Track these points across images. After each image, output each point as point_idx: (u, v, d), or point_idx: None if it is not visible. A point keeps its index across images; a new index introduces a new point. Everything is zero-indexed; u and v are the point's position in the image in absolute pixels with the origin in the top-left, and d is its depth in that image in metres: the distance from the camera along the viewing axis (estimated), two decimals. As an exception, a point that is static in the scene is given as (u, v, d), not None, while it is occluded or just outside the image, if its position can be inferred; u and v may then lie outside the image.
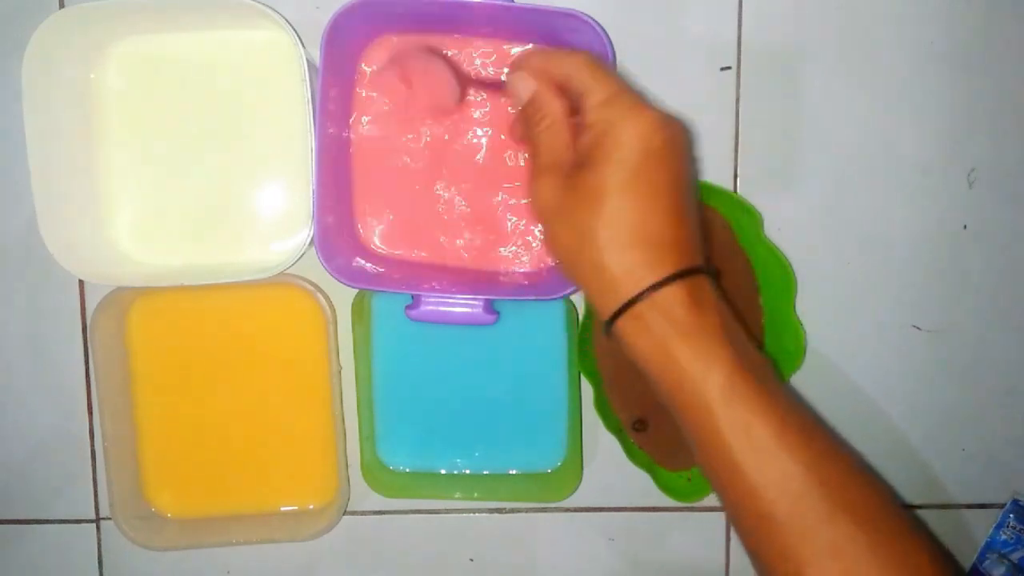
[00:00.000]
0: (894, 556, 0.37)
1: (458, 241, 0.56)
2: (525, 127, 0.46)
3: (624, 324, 0.40)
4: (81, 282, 0.61)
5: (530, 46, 0.54)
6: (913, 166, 0.60)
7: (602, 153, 0.40)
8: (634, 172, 0.39)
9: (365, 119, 0.55)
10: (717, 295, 0.40)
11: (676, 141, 0.41)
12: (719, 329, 0.39)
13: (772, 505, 0.37)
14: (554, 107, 0.43)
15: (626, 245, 0.39)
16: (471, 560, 0.64)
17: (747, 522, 0.39)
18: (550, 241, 0.43)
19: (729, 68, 0.59)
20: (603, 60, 0.46)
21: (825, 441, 0.39)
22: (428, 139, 0.55)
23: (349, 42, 0.53)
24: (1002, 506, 0.62)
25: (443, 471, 0.62)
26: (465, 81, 0.52)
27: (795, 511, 0.37)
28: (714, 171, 0.59)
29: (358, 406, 0.59)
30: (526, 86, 0.44)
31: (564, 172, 0.42)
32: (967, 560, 0.62)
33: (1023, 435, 0.62)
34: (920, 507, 0.63)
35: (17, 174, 0.55)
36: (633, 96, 0.41)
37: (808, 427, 0.39)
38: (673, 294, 0.39)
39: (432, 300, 0.53)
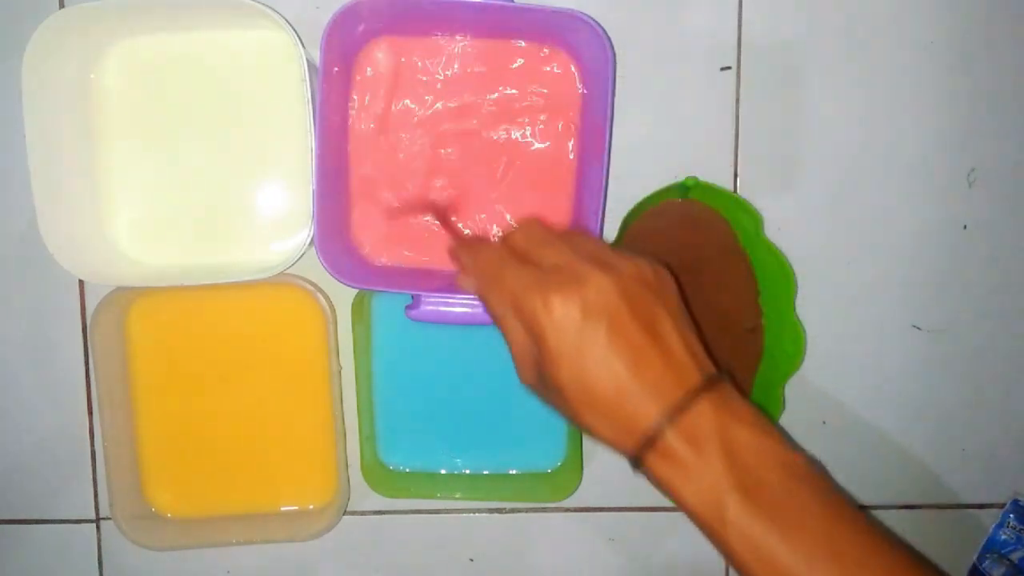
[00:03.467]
0: None
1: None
2: None
3: (645, 473, 0.40)
4: (81, 282, 0.61)
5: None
6: (913, 166, 0.60)
7: (540, 350, 0.40)
8: (571, 360, 0.39)
9: (365, 118, 0.55)
10: (720, 410, 0.39)
11: (598, 303, 0.39)
12: (721, 463, 0.38)
13: None
14: (490, 305, 0.44)
15: (604, 423, 0.40)
16: (471, 560, 0.64)
17: None
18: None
19: (729, 68, 0.59)
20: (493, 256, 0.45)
21: (859, 549, 0.38)
22: (428, 140, 0.55)
23: (349, 42, 0.53)
24: (1002, 506, 0.62)
25: (443, 471, 0.62)
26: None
27: None
28: (714, 171, 0.59)
29: (358, 406, 0.59)
30: (468, 285, 0.46)
31: (533, 359, 0.42)
32: (967, 560, 0.62)
33: (1023, 435, 0.63)
34: (920, 507, 0.63)
35: (17, 174, 0.55)
36: (532, 291, 0.40)
37: (839, 539, 0.38)
38: (667, 442, 0.38)
39: (432, 300, 0.53)
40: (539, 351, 0.40)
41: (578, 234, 0.45)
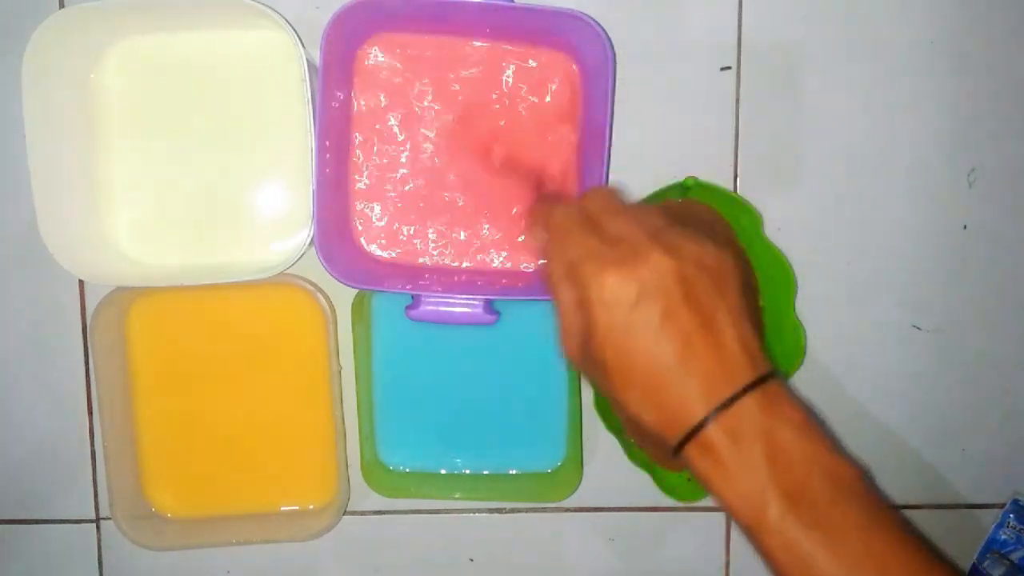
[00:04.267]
0: None
1: (458, 238, 0.56)
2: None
3: (685, 459, 0.39)
4: (81, 282, 0.61)
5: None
6: (913, 166, 0.60)
7: (588, 323, 0.39)
8: (618, 339, 0.38)
9: (365, 118, 0.55)
10: (767, 410, 0.38)
11: (655, 284, 0.38)
12: (764, 464, 0.37)
13: None
14: (549, 265, 0.42)
15: (647, 407, 0.39)
16: (471, 560, 0.64)
17: None
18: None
19: (729, 68, 0.59)
20: (573, 214, 0.43)
21: (903, 567, 0.37)
22: (428, 140, 0.55)
23: (349, 42, 0.53)
24: (1002, 506, 0.62)
25: (443, 471, 0.62)
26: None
27: None
28: (714, 171, 0.59)
29: (358, 406, 0.59)
30: (536, 238, 0.45)
31: (580, 331, 0.40)
32: (967, 560, 0.62)
33: (1023, 435, 0.62)
34: (920, 507, 0.63)
35: (17, 174, 0.55)
36: (591, 261, 0.39)
37: (883, 555, 0.37)
38: (709, 437, 0.37)
39: (432, 300, 0.53)
40: (587, 324, 0.39)
41: (650, 210, 0.44)
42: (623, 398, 0.39)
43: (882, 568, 0.37)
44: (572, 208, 0.44)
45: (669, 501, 0.58)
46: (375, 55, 0.55)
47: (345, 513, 0.61)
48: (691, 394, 0.38)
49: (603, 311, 0.38)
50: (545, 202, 0.47)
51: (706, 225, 0.58)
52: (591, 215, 0.43)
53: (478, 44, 0.55)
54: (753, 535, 0.37)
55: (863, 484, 0.38)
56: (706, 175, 0.57)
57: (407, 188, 0.56)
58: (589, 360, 0.40)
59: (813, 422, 0.39)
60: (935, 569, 0.37)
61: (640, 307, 0.38)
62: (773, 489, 0.37)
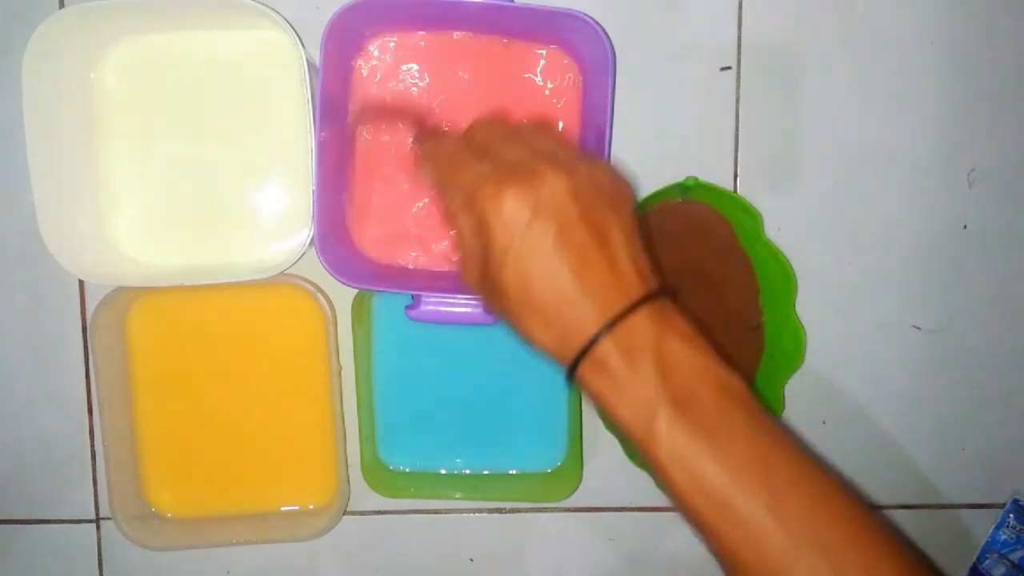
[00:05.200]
0: None
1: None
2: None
3: (578, 381, 0.39)
4: (81, 282, 0.61)
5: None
6: (913, 166, 0.60)
7: (486, 247, 0.40)
8: (516, 259, 0.39)
9: (364, 118, 0.55)
10: (658, 323, 0.38)
11: (550, 203, 0.38)
12: (654, 375, 0.37)
13: (737, 550, 0.37)
14: (445, 198, 0.43)
15: (542, 328, 0.39)
16: (471, 560, 0.64)
17: (721, 563, 0.39)
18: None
19: (729, 68, 0.59)
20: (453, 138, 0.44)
21: (787, 470, 0.37)
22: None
23: (349, 42, 0.53)
24: (1002, 506, 0.62)
25: (443, 471, 0.62)
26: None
27: (760, 554, 0.36)
28: (714, 171, 0.59)
29: (358, 406, 0.59)
30: (426, 174, 0.45)
31: (479, 257, 0.41)
32: (967, 560, 0.62)
33: (1023, 435, 0.63)
34: (920, 507, 0.63)
35: (17, 174, 0.55)
36: (486, 185, 0.39)
37: (767, 459, 0.37)
38: (602, 352, 0.38)
39: (432, 300, 0.53)
40: (485, 248, 0.40)
41: (540, 131, 0.44)
42: (521, 321, 0.40)
43: (768, 474, 0.37)
44: (461, 138, 0.44)
45: (669, 501, 0.58)
46: (375, 55, 0.55)
47: (345, 513, 0.61)
48: (585, 311, 0.38)
49: (501, 231, 0.39)
50: (429, 135, 0.47)
51: (706, 225, 0.58)
52: (481, 143, 0.43)
53: (478, 44, 0.55)
54: (645, 448, 0.38)
55: (749, 395, 0.39)
56: (706, 175, 0.57)
57: (407, 187, 0.56)
58: (488, 285, 0.41)
59: (701, 336, 0.39)
60: (818, 472, 0.38)
61: (536, 225, 0.38)
62: (662, 398, 0.37)
